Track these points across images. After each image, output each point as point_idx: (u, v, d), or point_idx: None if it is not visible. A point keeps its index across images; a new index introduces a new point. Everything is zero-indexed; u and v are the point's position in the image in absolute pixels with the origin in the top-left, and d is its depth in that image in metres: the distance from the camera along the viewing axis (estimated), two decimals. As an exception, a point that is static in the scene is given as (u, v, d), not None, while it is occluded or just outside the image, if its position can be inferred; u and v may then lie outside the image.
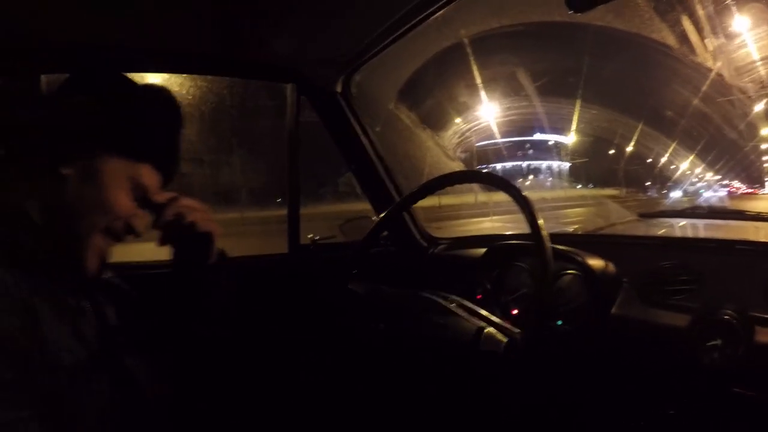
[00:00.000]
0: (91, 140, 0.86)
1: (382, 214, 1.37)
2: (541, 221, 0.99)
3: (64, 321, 0.82)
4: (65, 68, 1.55)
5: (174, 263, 1.07)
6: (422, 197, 1.28)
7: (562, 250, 1.32)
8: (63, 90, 0.92)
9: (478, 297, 1.49)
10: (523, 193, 1.03)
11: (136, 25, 1.35)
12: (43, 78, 1.46)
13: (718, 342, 1.01)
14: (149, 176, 0.94)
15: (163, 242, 1.03)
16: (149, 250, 1.00)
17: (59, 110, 0.86)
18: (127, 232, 0.94)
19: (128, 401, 0.90)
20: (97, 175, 0.87)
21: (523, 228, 1.02)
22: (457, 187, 1.31)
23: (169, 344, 1.08)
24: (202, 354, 1.12)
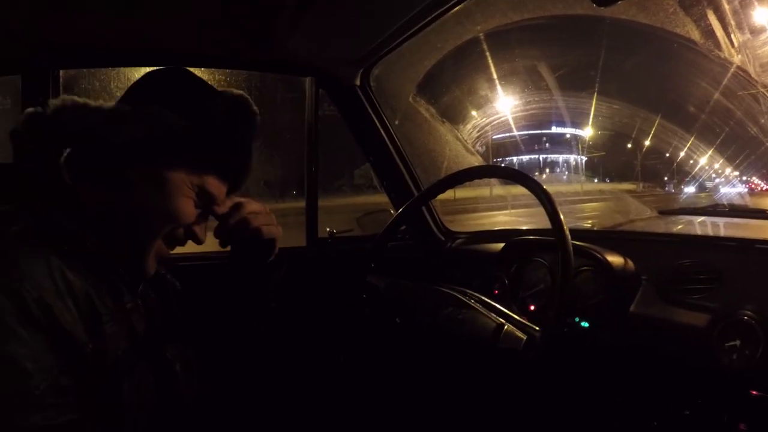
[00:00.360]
0: (160, 147, 0.84)
1: (402, 208, 1.37)
2: (562, 217, 0.98)
3: (122, 321, 0.81)
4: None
5: (232, 260, 1.06)
6: (442, 191, 1.28)
7: (581, 245, 1.31)
8: (136, 95, 0.89)
9: (495, 292, 1.49)
10: (545, 188, 1.02)
11: (161, 23, 1.38)
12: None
13: (737, 343, 1.00)
14: (216, 186, 0.92)
15: (224, 245, 1.01)
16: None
17: (131, 117, 0.83)
18: (188, 239, 0.93)
19: (175, 399, 0.90)
20: (164, 183, 0.85)
21: (540, 223, 1.02)
22: (473, 180, 1.30)
23: (221, 341, 1.08)
24: (256, 351, 1.13)
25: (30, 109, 0.81)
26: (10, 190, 0.81)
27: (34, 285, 0.68)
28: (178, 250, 0.96)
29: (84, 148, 0.85)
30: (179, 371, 0.93)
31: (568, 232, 0.97)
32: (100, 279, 0.80)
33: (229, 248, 1.05)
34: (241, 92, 0.97)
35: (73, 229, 0.78)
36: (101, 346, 0.75)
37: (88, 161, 0.85)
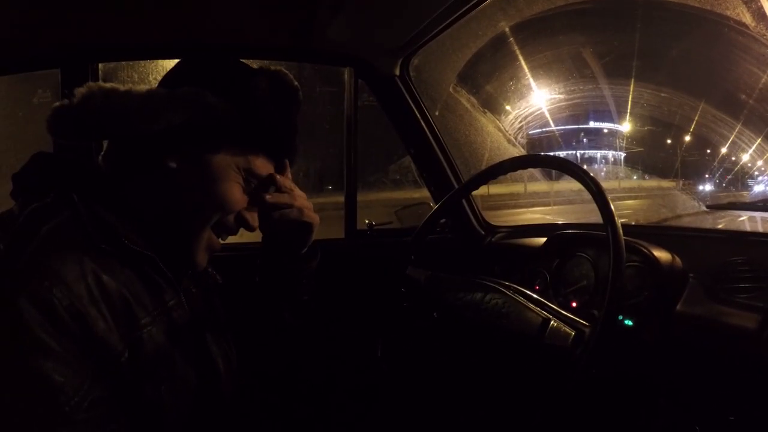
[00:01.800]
0: (201, 131, 0.80)
1: (442, 200, 1.34)
2: (613, 208, 0.94)
3: (162, 321, 0.78)
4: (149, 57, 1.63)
5: (264, 251, 1.03)
6: (484, 182, 1.24)
7: (627, 240, 1.26)
8: (172, 79, 0.86)
9: (536, 287, 1.45)
10: (594, 178, 0.98)
11: (199, 14, 1.38)
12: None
13: None
14: (264, 167, 0.88)
15: (263, 229, 0.97)
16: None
17: (168, 101, 0.79)
18: (239, 226, 0.90)
19: (217, 396, 0.88)
20: (208, 169, 0.82)
21: (577, 219, 0.97)
22: (508, 176, 1.25)
23: (254, 334, 1.06)
24: (289, 343, 1.10)
25: (57, 103, 0.78)
26: (49, 181, 0.78)
27: (66, 292, 0.64)
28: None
29: (119, 138, 0.82)
30: (222, 367, 0.90)
31: (619, 225, 0.92)
32: (139, 277, 0.77)
33: (261, 239, 1.02)
34: (279, 68, 0.93)
35: (111, 225, 0.75)
36: (137, 353, 0.71)
37: (126, 153, 0.82)
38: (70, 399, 0.61)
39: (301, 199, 0.94)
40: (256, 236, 0.99)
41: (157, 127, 0.77)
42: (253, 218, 0.91)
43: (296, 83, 0.93)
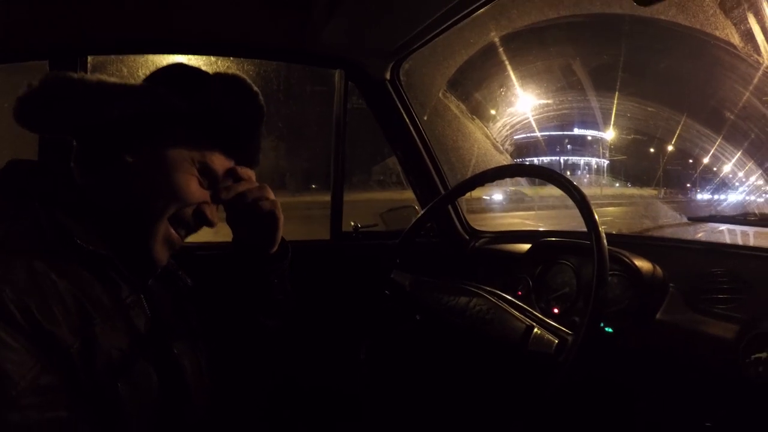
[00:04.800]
0: (153, 122, 0.83)
1: (429, 205, 1.35)
2: (597, 218, 0.95)
3: (117, 317, 0.79)
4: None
5: (234, 248, 1.04)
6: (471, 189, 1.26)
7: (609, 249, 1.28)
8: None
9: (519, 293, 1.47)
10: (579, 188, 0.99)
11: (191, 11, 1.38)
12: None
13: (764, 355, 0.97)
14: (220, 162, 0.90)
15: (230, 224, 1.00)
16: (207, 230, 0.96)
17: (121, 92, 0.82)
18: (199, 222, 0.91)
19: (178, 396, 0.87)
20: (162, 161, 0.84)
21: (557, 225, 0.99)
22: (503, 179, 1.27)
23: (227, 334, 1.06)
24: (264, 345, 1.10)
25: (21, 90, 0.79)
26: (15, 187, 0.80)
27: (14, 289, 0.66)
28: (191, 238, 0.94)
29: (78, 131, 0.84)
30: (188, 367, 0.91)
31: (604, 235, 0.94)
32: (96, 276, 0.78)
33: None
34: (236, 72, 0.96)
35: (67, 227, 0.77)
36: (89, 345, 0.73)
37: (87, 148, 0.84)
38: (17, 384, 0.63)
39: (261, 189, 0.96)
40: (223, 236, 1.00)
41: (110, 115, 0.80)
42: (212, 213, 0.92)
43: (255, 88, 0.96)
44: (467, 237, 2.01)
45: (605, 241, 0.94)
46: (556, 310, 1.37)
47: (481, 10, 1.38)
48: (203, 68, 0.95)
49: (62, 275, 0.73)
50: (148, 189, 0.84)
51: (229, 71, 0.96)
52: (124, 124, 0.81)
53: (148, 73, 0.93)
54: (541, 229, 1.97)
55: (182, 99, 0.85)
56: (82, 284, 0.75)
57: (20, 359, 0.64)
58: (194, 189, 0.87)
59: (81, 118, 0.81)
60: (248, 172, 0.96)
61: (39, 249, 0.73)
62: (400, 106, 1.85)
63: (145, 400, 0.81)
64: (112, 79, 0.84)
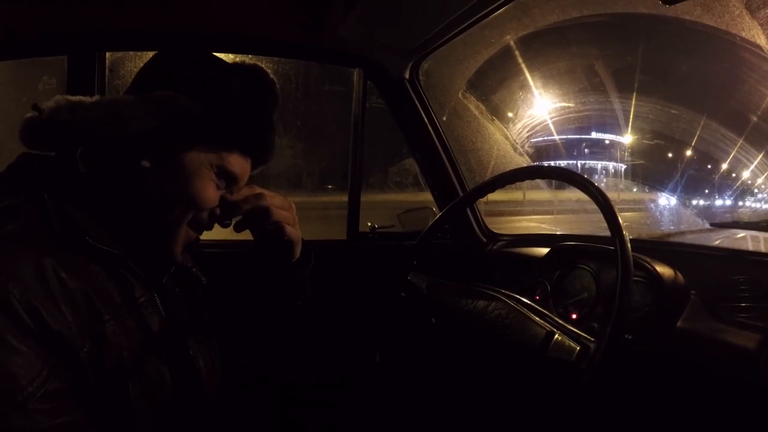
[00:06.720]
0: (173, 133, 0.81)
1: (447, 207, 1.33)
2: (621, 222, 0.93)
3: (129, 316, 0.78)
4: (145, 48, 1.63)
5: (257, 257, 1.03)
6: (491, 191, 1.23)
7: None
8: (142, 83, 0.86)
9: (536, 298, 1.44)
10: (602, 191, 0.96)
11: (210, 7, 1.38)
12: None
13: None
14: (238, 163, 0.88)
15: (240, 230, 0.98)
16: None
17: (137, 107, 0.79)
18: (213, 222, 0.90)
19: (191, 396, 0.87)
20: (181, 167, 0.82)
21: (578, 230, 0.96)
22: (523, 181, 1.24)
23: (244, 336, 1.05)
24: (281, 347, 1.09)
25: (26, 116, 0.78)
26: (26, 180, 0.79)
27: (22, 288, 0.65)
28: (206, 236, 0.93)
29: (91, 146, 0.82)
30: (202, 367, 0.90)
31: (628, 240, 0.91)
32: (108, 274, 0.77)
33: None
34: (255, 62, 0.93)
35: (78, 223, 0.76)
36: (100, 347, 0.72)
37: (100, 155, 0.82)
38: (24, 388, 0.62)
39: (283, 212, 0.95)
40: (245, 234, 0.99)
41: (127, 134, 0.78)
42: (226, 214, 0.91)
43: (272, 77, 0.93)
44: (485, 240, 1.98)
45: (629, 245, 0.91)
46: (574, 316, 1.35)
47: (502, 9, 1.36)
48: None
49: (72, 273, 0.71)
50: (165, 195, 0.83)
51: (247, 61, 0.93)
52: (141, 137, 0.79)
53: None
54: (559, 233, 1.94)
55: (200, 103, 0.82)
56: (93, 282, 0.74)
57: (28, 363, 0.63)
58: (211, 194, 0.86)
59: (95, 138, 0.79)
60: (278, 200, 0.95)
61: (48, 245, 0.72)
62: (419, 106, 1.84)
63: (157, 400, 0.79)
64: (126, 96, 0.82)
